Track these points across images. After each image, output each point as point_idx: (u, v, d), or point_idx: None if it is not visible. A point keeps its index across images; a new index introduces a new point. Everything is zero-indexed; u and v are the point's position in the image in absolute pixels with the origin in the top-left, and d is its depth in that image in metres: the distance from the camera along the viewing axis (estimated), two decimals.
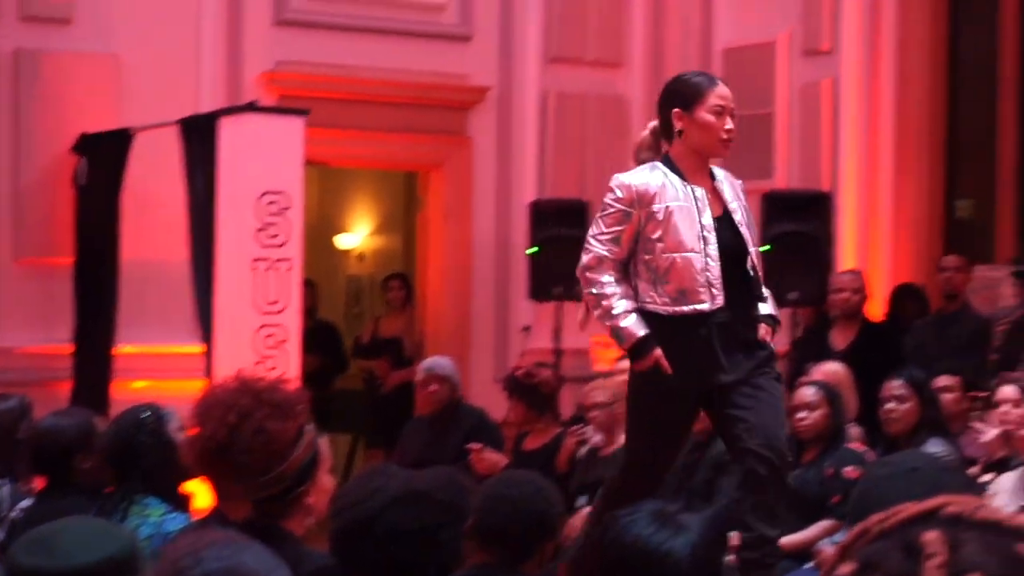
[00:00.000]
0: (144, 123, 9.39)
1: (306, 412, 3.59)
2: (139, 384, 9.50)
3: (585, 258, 5.62)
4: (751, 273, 5.64)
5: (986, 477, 7.05)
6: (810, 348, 9.52)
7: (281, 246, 8.34)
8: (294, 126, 8.52)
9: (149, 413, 4.96)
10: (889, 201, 10.44)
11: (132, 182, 9.47)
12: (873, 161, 10.55)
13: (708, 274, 5.48)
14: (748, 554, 5.58)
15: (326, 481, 3.64)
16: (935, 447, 7.09)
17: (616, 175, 5.71)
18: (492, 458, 8.21)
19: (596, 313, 5.63)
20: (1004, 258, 9.84)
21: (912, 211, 10.22)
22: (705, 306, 5.48)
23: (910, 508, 1.40)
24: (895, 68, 10.43)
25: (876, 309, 9.96)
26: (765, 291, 5.74)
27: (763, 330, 5.64)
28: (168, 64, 10.15)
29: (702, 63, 11.67)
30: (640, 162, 5.75)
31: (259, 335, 8.29)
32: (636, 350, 5.52)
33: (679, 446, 5.98)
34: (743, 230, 5.63)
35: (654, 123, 5.90)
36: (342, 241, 14.75)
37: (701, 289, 5.47)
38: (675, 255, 5.50)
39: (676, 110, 5.65)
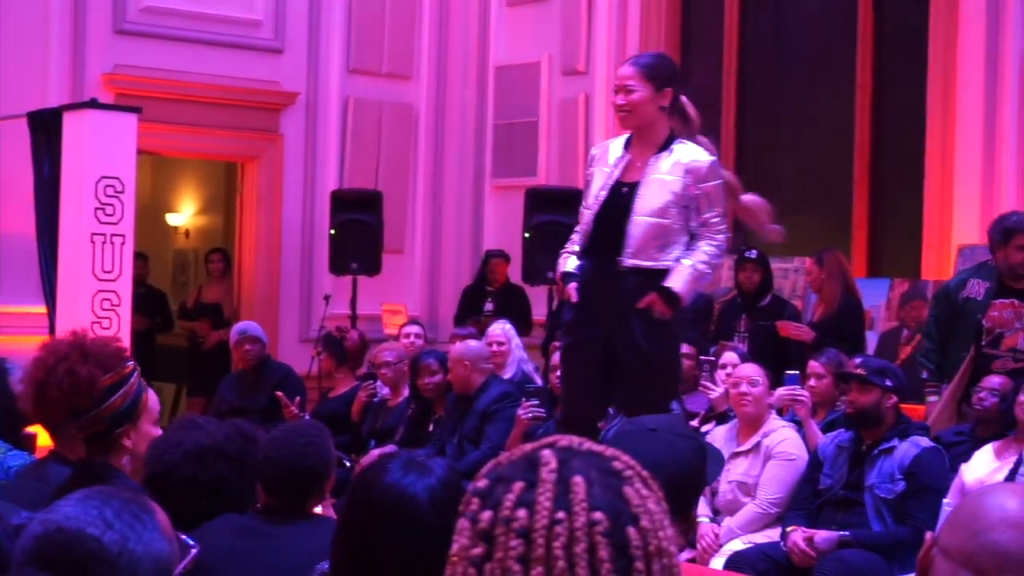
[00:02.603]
0: None
1: (125, 366, 3.52)
2: None
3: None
4: (628, 239, 5.23)
5: (706, 428, 7.20)
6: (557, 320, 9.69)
7: (116, 223, 8.24)
8: (128, 121, 8.42)
9: None
10: None
11: None
12: None
13: (585, 236, 5.36)
14: None
15: (148, 429, 3.59)
16: None
17: None
18: (291, 409, 8.17)
19: None
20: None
21: None
22: (571, 265, 5.41)
23: (530, 444, 1.55)
24: None
25: None
26: (674, 263, 5.24)
27: (647, 298, 5.19)
28: (19, 64, 9.88)
29: (479, 79, 11.74)
30: None
31: (96, 299, 8.16)
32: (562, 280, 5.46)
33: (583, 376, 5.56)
34: (637, 200, 5.22)
35: None
36: (171, 219, 14.50)
37: (582, 247, 5.38)
38: (586, 213, 5.38)
39: None
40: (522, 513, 1.45)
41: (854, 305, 8.15)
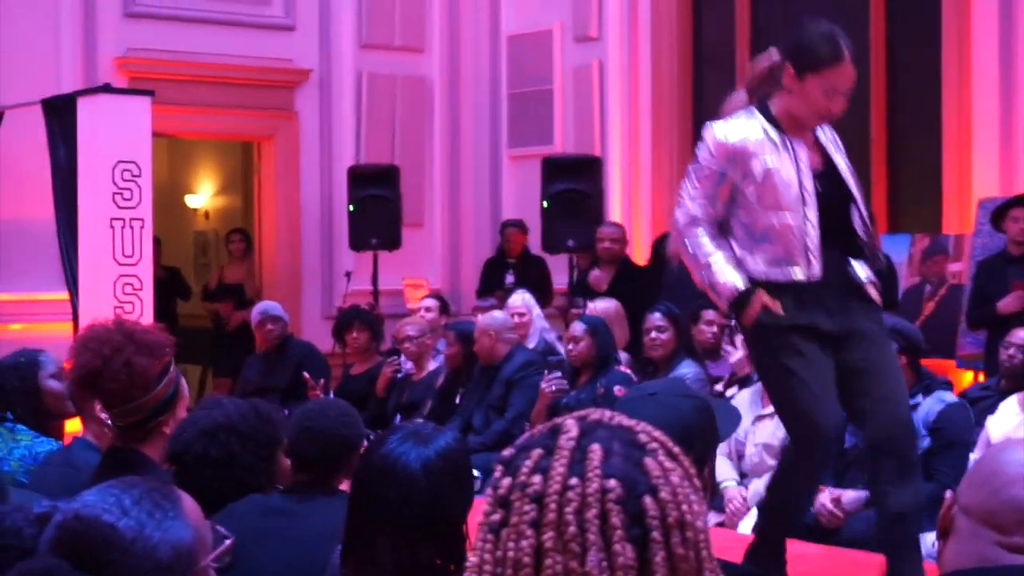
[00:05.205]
0: (11, 102, 9.15)
1: (170, 354, 3.57)
2: (14, 327, 9.31)
3: (680, 217, 4.39)
4: (860, 228, 4.40)
5: (730, 392, 7.17)
6: (579, 287, 9.71)
7: (135, 207, 8.28)
8: (142, 105, 8.45)
9: (24, 359, 4.82)
10: (649, 163, 10.56)
11: (1, 152, 9.22)
12: (635, 129, 10.67)
13: (807, 239, 4.26)
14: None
15: (181, 414, 3.63)
16: (687, 368, 7.18)
17: (712, 126, 4.38)
18: (316, 391, 8.16)
19: (695, 271, 4.40)
20: None
21: (667, 171, 10.34)
22: (800, 276, 4.28)
23: (564, 417, 1.56)
24: (650, 51, 10.55)
25: (641, 255, 10.04)
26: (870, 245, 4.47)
27: (872, 291, 4.39)
28: (31, 50, 9.90)
29: (492, 48, 11.71)
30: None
31: (118, 284, 8.21)
32: (738, 304, 4.30)
33: (830, 382, 4.34)
34: (848, 181, 4.41)
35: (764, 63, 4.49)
36: (190, 201, 14.53)
37: (798, 255, 4.25)
38: (773, 217, 4.27)
39: (789, 67, 4.38)
40: (537, 479, 1.46)
41: (891, 264, 8.16)
